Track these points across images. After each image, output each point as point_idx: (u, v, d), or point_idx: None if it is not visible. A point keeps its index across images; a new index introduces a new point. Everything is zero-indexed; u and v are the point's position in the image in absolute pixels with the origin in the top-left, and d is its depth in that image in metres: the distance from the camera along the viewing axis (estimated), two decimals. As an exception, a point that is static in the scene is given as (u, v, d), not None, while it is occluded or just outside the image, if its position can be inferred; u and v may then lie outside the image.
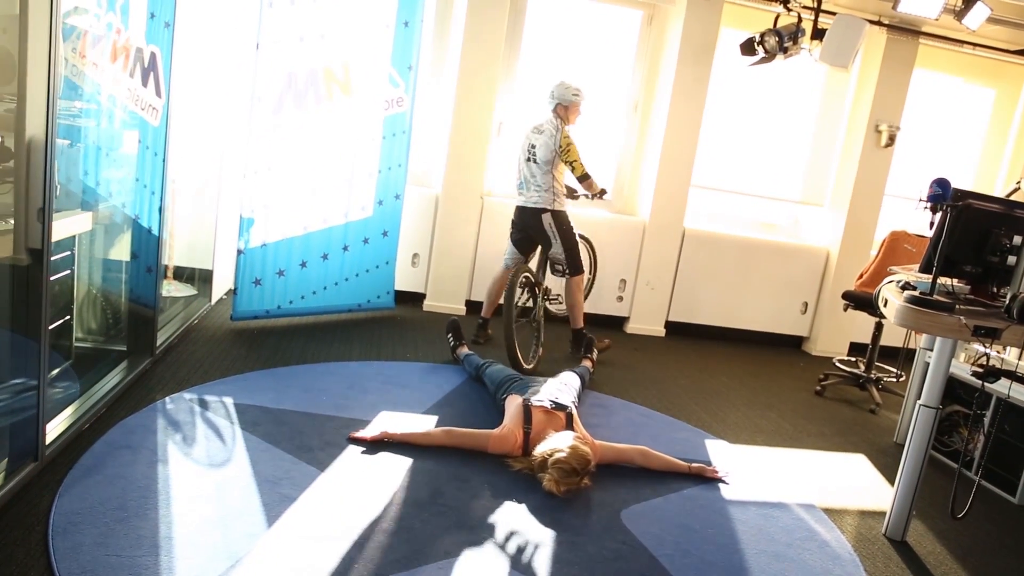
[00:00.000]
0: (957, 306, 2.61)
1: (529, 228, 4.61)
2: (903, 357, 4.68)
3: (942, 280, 2.71)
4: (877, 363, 4.80)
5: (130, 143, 3.54)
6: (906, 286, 2.87)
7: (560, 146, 4.45)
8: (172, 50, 3.46)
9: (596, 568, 2.36)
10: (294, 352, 4.01)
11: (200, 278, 4.79)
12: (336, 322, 4.70)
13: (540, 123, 4.55)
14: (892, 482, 3.43)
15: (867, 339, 4.93)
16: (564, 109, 4.49)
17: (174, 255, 4.75)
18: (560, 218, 4.57)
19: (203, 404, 3.16)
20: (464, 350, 4.22)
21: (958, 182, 2.99)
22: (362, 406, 3.39)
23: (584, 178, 4.51)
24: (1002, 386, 3.22)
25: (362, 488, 2.66)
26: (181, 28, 3.55)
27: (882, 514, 3.04)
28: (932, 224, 2.67)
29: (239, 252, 4.26)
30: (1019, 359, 2.73)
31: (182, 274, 4.83)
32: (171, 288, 4.69)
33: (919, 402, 2.79)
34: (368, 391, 3.59)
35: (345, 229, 4.67)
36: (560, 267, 4.65)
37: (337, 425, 3.14)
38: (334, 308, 4.77)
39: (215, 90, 4.53)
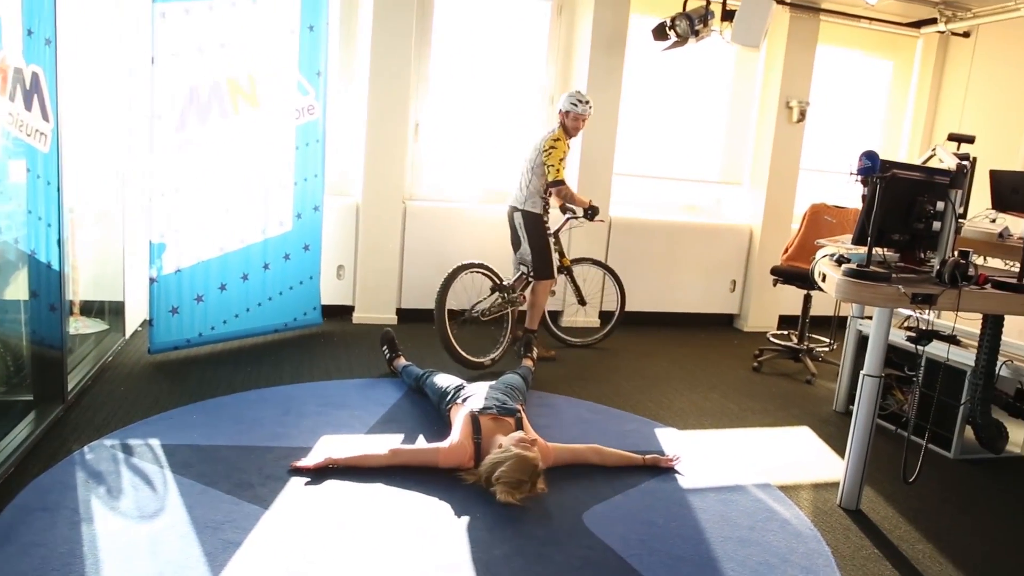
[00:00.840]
0: (893, 275, 2.65)
1: (510, 227, 4.67)
2: (835, 326, 4.80)
3: (874, 250, 2.75)
4: (809, 334, 4.91)
5: (17, 173, 3.24)
6: (840, 259, 2.90)
7: (544, 147, 4.45)
8: (56, 69, 3.17)
9: (565, 578, 2.29)
10: (221, 381, 3.78)
11: (110, 311, 4.47)
12: (263, 345, 4.48)
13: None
14: (838, 451, 3.50)
15: (795, 312, 5.04)
16: (564, 115, 4.49)
17: (79, 289, 4.41)
18: (530, 219, 4.55)
19: (127, 450, 2.92)
20: (401, 361, 4.07)
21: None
22: (301, 432, 3.21)
23: (555, 184, 4.43)
24: (931, 348, 3.31)
25: (311, 522, 2.50)
26: (65, 45, 3.27)
27: (834, 485, 3.08)
28: (864, 196, 2.70)
29: (152, 280, 3.99)
30: (955, 321, 2.80)
31: (90, 309, 4.49)
32: (79, 325, 4.35)
33: (863, 372, 2.83)
34: (305, 415, 3.42)
35: (264, 246, 4.44)
36: (526, 268, 4.61)
37: (276, 456, 2.96)
38: (259, 330, 4.54)
39: (109, 110, 4.23)
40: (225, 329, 4.34)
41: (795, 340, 4.94)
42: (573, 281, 4.98)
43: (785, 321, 5.95)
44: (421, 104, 5.34)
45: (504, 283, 4.57)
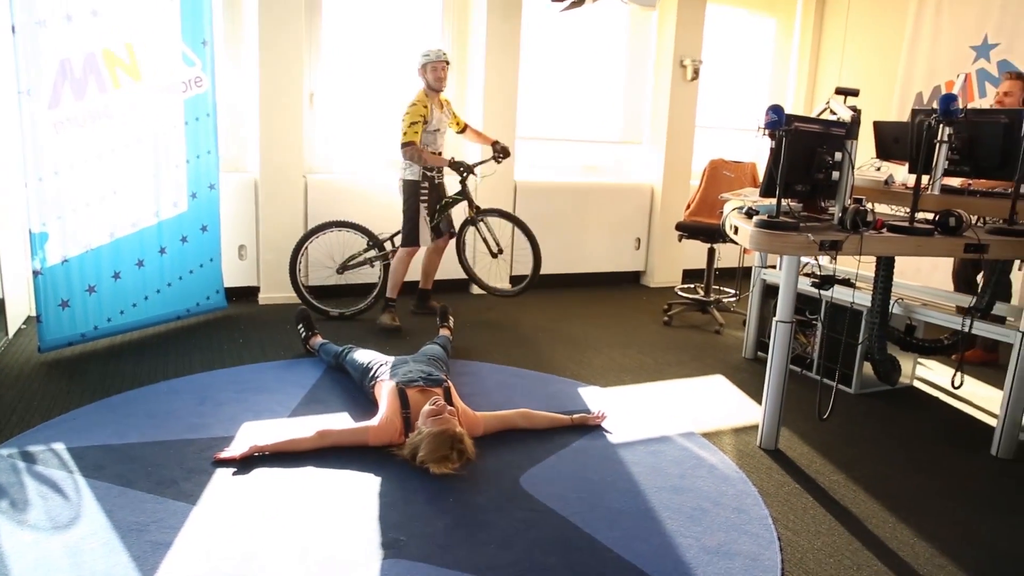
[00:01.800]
0: (800, 224, 2.78)
1: None
2: (740, 277, 5.01)
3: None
4: (714, 286, 5.10)
5: None
6: (750, 212, 3.01)
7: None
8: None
9: (512, 542, 2.30)
10: (126, 375, 3.56)
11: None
12: (166, 333, 4.24)
13: None
14: (752, 396, 3.68)
15: (699, 266, 5.23)
16: (423, 72, 4.48)
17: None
18: (407, 187, 4.53)
19: (27, 458, 2.70)
20: (317, 340, 3.96)
21: (760, 108, 3.15)
22: (220, 421, 3.07)
23: (403, 146, 4.39)
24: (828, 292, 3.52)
25: (243, 514, 2.40)
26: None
27: (753, 428, 3.24)
28: (771, 150, 2.80)
29: (36, 273, 3.67)
30: (858, 265, 2.96)
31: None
32: (-48, 327, 3.98)
33: (775, 319, 2.96)
34: (222, 403, 3.27)
35: (159, 229, 4.18)
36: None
37: (198, 448, 2.82)
38: (160, 318, 4.29)
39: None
40: (123, 320, 4.08)
41: (702, 293, 5.13)
42: (488, 230, 4.80)
43: (689, 275, 6.17)
44: (315, 74, 5.13)
45: (379, 239, 4.70)
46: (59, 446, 2.80)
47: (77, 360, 3.75)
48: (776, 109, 2.68)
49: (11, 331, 4.08)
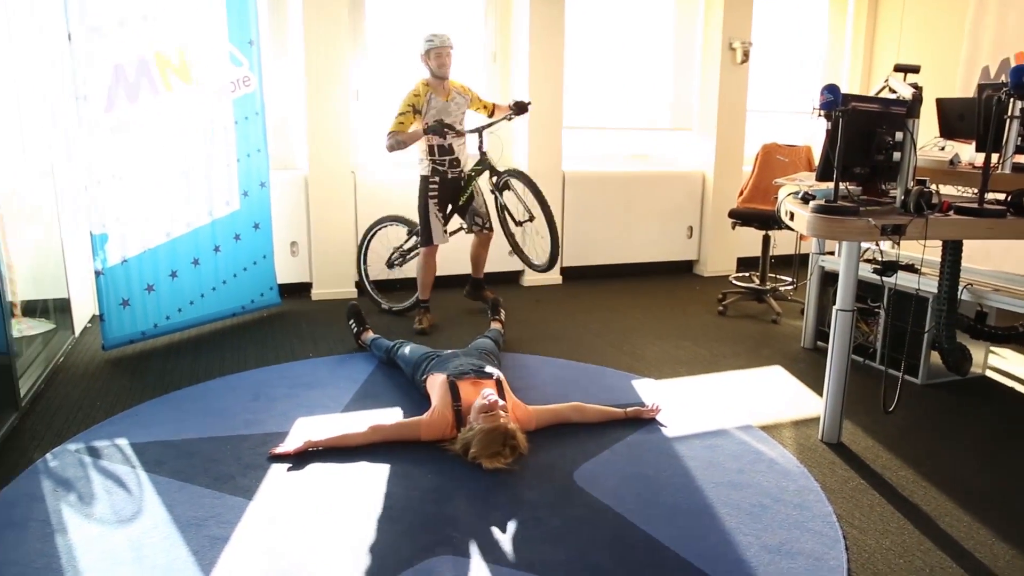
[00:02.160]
0: (860, 208, 2.66)
1: None
2: (797, 264, 4.86)
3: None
4: (771, 274, 4.96)
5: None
6: (806, 197, 2.91)
7: None
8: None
9: (566, 539, 2.27)
10: (184, 372, 3.63)
11: (56, 309, 4.24)
12: (222, 330, 4.32)
13: None
14: (812, 387, 3.57)
15: (753, 254, 5.09)
16: (425, 59, 4.24)
17: (18, 289, 4.17)
18: (421, 183, 4.38)
19: (93, 452, 2.78)
20: (369, 335, 3.98)
21: (814, 89, 3.02)
22: (274, 417, 3.11)
23: (388, 136, 4.19)
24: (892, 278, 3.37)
25: (299, 509, 2.42)
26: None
27: (813, 420, 3.14)
28: (827, 131, 2.68)
29: (97, 274, 3.78)
30: (923, 251, 2.83)
31: (34, 308, 4.26)
32: (22, 327, 4.12)
33: (835, 307, 2.85)
34: (276, 399, 3.31)
35: (212, 228, 4.26)
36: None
37: (253, 444, 2.86)
38: (216, 315, 4.38)
39: (31, 94, 3.94)
40: (181, 317, 4.17)
41: (757, 281, 5.00)
42: (517, 196, 4.38)
43: (744, 263, 6.02)
44: (360, 69, 5.15)
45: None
46: (122, 441, 2.87)
47: (138, 357, 3.84)
48: (832, 88, 2.57)
49: (77, 330, 4.21)
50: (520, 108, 4.39)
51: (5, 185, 3.96)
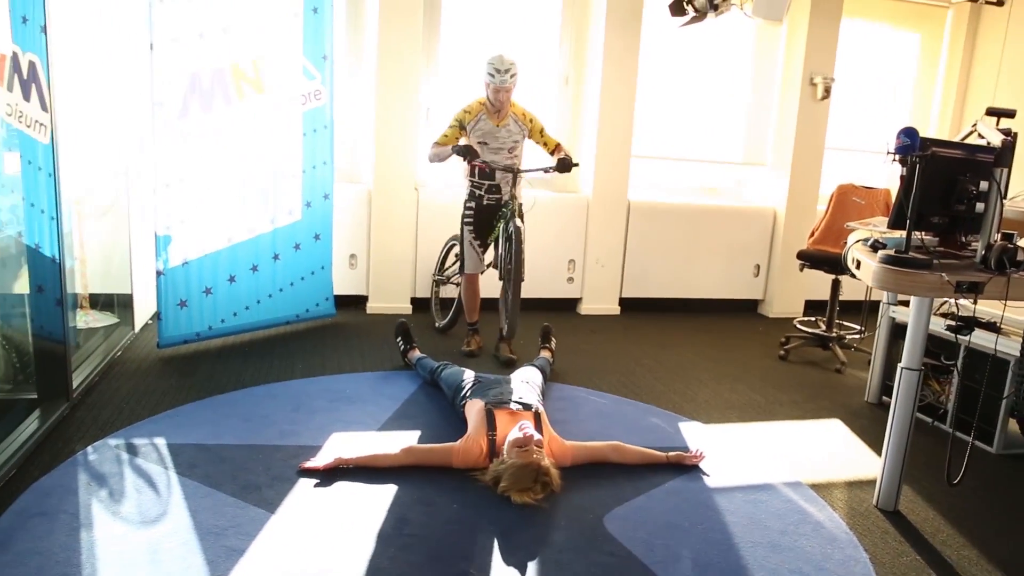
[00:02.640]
0: (934, 261, 2.48)
1: None
2: (866, 312, 4.61)
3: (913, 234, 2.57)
4: (838, 320, 4.72)
5: (16, 165, 3.14)
6: (876, 245, 2.73)
7: None
8: (48, 56, 3.06)
9: (586, 587, 2.16)
10: (231, 376, 3.68)
11: (120, 304, 4.39)
12: (274, 337, 4.38)
13: None
14: (872, 446, 3.34)
15: (822, 296, 4.85)
16: (486, 86, 4.09)
17: (88, 282, 4.33)
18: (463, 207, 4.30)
19: (131, 450, 2.82)
20: (416, 353, 3.95)
21: (895, 130, 2.85)
22: (310, 430, 3.10)
23: (432, 144, 4.19)
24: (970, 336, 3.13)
25: (319, 527, 2.39)
26: (61, 32, 3.16)
27: (869, 483, 2.92)
28: (901, 177, 2.52)
29: (158, 273, 3.89)
30: (1003, 310, 2.62)
31: (100, 302, 4.42)
32: (88, 319, 4.28)
33: (900, 365, 2.66)
34: (316, 411, 3.31)
35: (273, 236, 4.33)
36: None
37: (285, 456, 2.85)
38: (270, 322, 4.44)
39: (112, 99, 4.12)
40: (235, 322, 4.24)
41: (823, 327, 4.76)
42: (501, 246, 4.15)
43: (812, 306, 5.76)
44: (432, 87, 5.19)
45: None
46: (160, 441, 2.91)
47: (190, 358, 3.92)
48: (909, 132, 2.41)
49: (138, 326, 4.33)
50: (563, 166, 4.12)
51: (83, 183, 4.14)
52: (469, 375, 3.43)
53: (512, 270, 4.01)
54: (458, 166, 4.33)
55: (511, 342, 4.17)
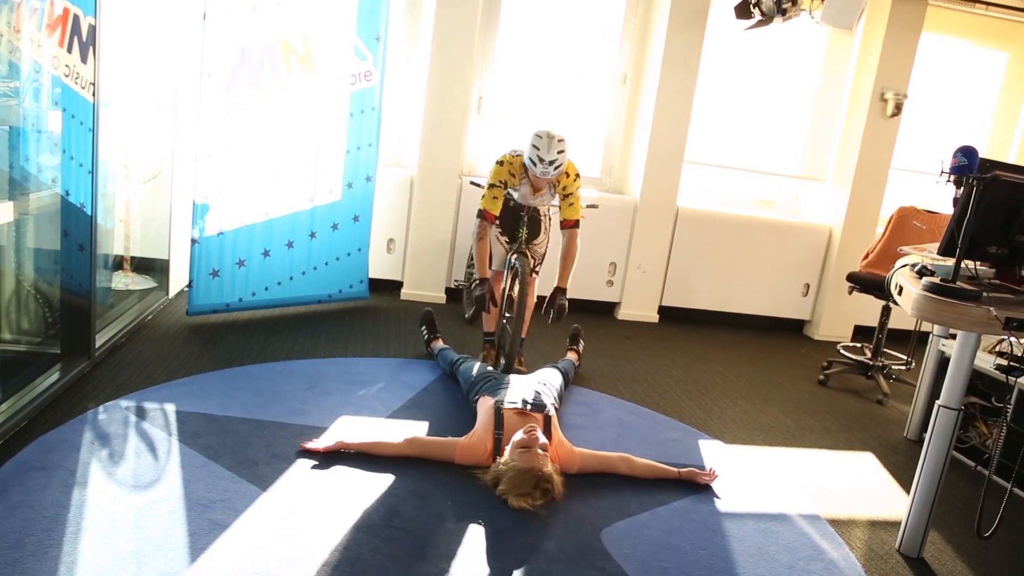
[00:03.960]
0: (984, 294, 2.28)
1: None
2: (915, 342, 4.35)
3: (964, 263, 2.38)
4: (884, 349, 4.47)
5: (61, 122, 3.20)
6: (923, 271, 2.54)
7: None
8: (98, 13, 3.10)
9: (570, 602, 2.06)
10: (252, 349, 3.69)
11: (160, 269, 4.46)
12: (303, 314, 4.38)
13: None
14: (903, 484, 3.14)
15: (873, 322, 4.61)
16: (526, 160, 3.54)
17: (131, 245, 4.42)
18: None
19: (140, 413, 2.84)
20: (439, 344, 3.90)
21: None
22: (320, 410, 3.08)
23: (478, 214, 3.66)
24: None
25: (307, 510, 2.34)
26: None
27: (895, 524, 2.74)
28: (955, 199, 2.33)
29: (193, 241, 3.93)
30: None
31: (143, 266, 4.50)
32: (127, 280, 4.37)
33: (938, 403, 2.47)
34: (329, 392, 3.28)
35: (312, 214, 4.33)
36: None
37: (289, 434, 2.82)
38: (301, 299, 4.44)
39: (163, 66, 4.17)
40: (267, 296, 4.26)
41: (868, 354, 4.51)
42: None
43: (860, 332, 5.50)
44: (485, 78, 5.12)
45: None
46: (170, 407, 2.92)
47: (217, 328, 3.95)
48: (967, 151, 2.23)
49: (172, 292, 4.39)
50: (551, 306, 3.57)
51: (133, 147, 4.21)
52: (486, 370, 3.36)
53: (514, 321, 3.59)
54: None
55: (521, 356, 3.85)
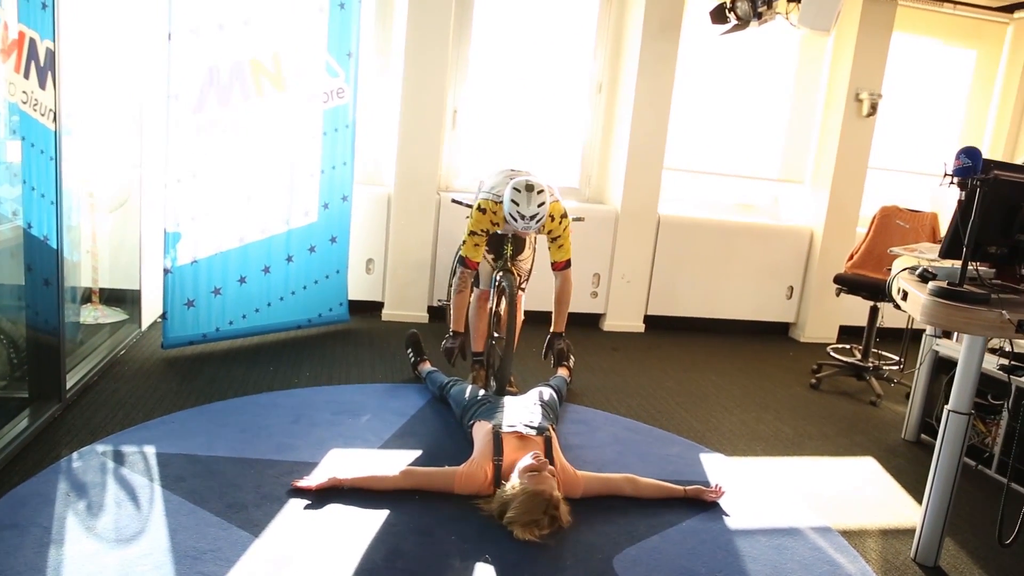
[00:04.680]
0: (992, 296, 2.24)
1: None
2: (907, 341, 4.34)
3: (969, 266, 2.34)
4: (874, 350, 4.45)
5: (20, 151, 3.04)
6: (924, 274, 2.50)
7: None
8: (55, 37, 2.95)
9: (589, 640, 1.96)
10: (234, 382, 3.54)
11: (130, 300, 4.28)
12: (283, 341, 4.23)
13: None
14: (907, 488, 3.10)
15: (859, 322, 4.59)
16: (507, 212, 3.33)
17: (99, 277, 4.24)
18: None
19: (118, 458, 2.68)
20: (426, 366, 3.78)
21: (947, 151, 2.62)
22: (309, 444, 2.94)
23: (458, 260, 3.58)
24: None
25: (304, 556, 2.22)
26: (76, 16, 3.06)
27: (905, 532, 2.68)
28: (959, 201, 2.29)
29: (166, 271, 3.77)
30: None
31: (112, 298, 4.31)
32: (96, 314, 4.18)
33: (948, 408, 2.42)
34: (317, 424, 3.15)
35: (288, 237, 4.19)
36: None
37: (278, 472, 2.69)
38: (281, 326, 4.30)
39: (128, 89, 4.02)
40: (244, 324, 4.11)
41: (859, 356, 4.49)
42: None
43: (847, 332, 5.49)
44: (459, 90, 5.03)
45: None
46: (150, 449, 2.77)
47: (194, 360, 3.79)
48: (970, 152, 2.18)
49: (145, 324, 4.22)
50: (551, 350, 3.57)
51: (97, 175, 4.04)
52: (479, 393, 3.25)
53: (509, 327, 3.47)
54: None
55: (512, 377, 3.65)
